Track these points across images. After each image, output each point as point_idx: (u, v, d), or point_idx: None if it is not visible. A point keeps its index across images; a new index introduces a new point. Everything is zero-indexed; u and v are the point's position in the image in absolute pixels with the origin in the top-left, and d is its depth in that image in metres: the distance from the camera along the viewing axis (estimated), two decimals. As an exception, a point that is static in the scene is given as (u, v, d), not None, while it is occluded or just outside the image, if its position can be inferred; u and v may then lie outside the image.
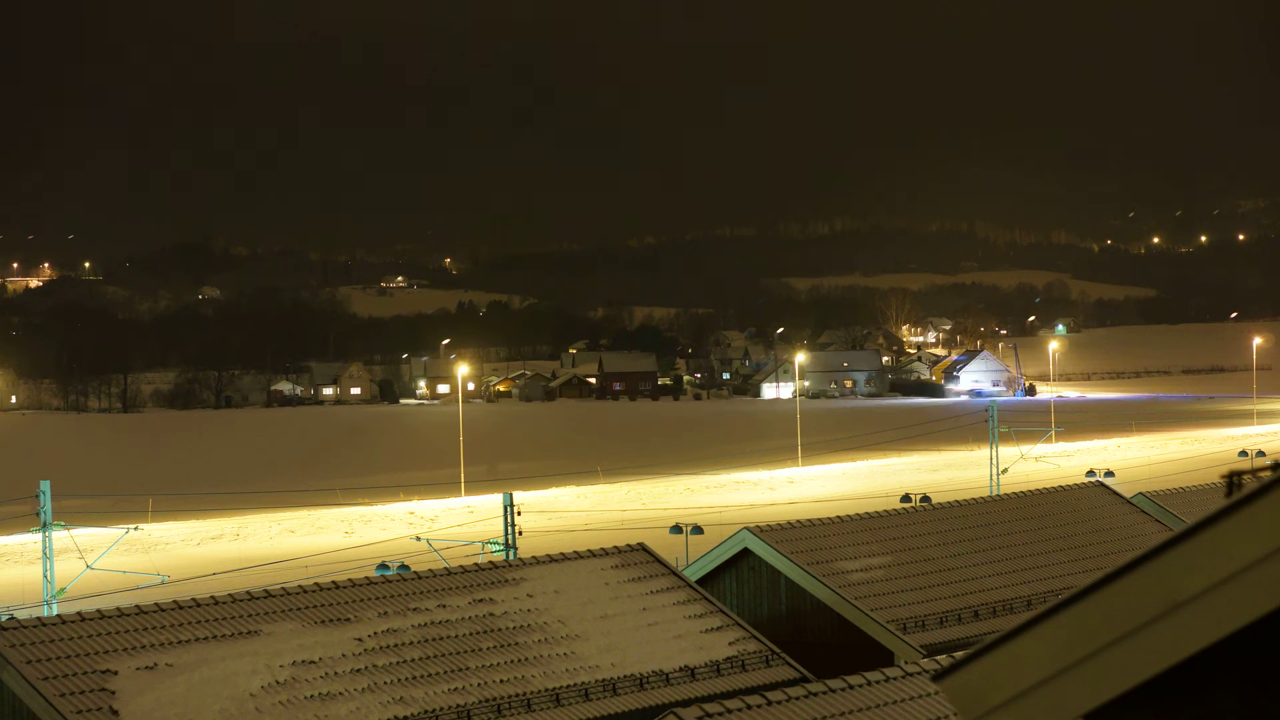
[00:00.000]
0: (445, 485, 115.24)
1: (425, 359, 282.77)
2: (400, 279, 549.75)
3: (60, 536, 56.91)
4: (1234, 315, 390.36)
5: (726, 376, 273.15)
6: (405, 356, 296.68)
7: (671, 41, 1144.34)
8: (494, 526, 59.83)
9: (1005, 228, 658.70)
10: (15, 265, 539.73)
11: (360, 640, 27.01)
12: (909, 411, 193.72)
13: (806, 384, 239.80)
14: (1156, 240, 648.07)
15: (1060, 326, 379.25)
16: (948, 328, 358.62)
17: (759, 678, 29.41)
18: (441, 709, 26.18)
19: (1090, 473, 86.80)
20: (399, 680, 26.45)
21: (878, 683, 21.73)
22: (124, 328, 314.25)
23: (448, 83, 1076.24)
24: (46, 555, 51.75)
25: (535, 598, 29.80)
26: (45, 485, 52.94)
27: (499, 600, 29.41)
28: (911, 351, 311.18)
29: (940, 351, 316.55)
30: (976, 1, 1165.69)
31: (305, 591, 28.17)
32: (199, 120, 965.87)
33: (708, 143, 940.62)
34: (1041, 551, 38.19)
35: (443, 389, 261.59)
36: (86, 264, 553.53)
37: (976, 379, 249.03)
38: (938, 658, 25.66)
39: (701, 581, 34.30)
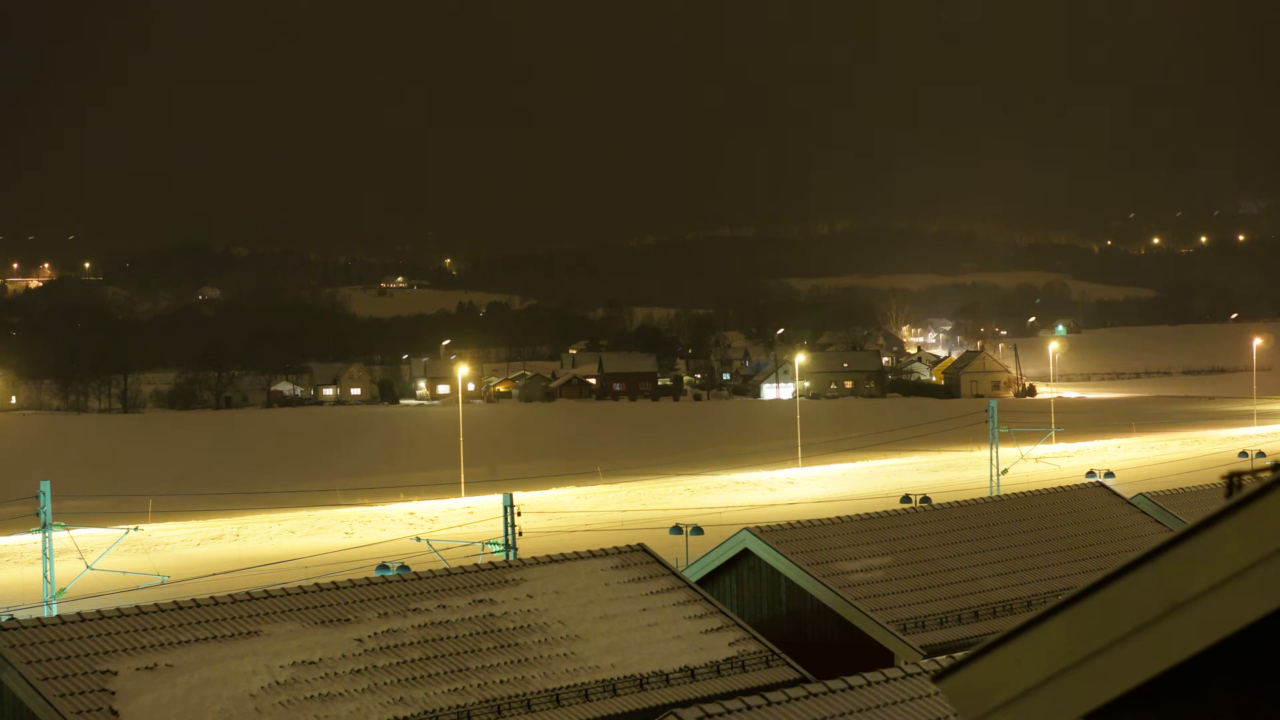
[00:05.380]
0: (445, 486, 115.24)
1: (425, 359, 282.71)
2: (400, 279, 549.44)
3: (60, 537, 56.91)
4: (1234, 316, 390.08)
5: (726, 377, 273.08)
6: (405, 357, 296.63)
7: (671, 42, 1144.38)
8: (494, 527, 59.85)
9: (1005, 228, 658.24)
10: (15, 265, 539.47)
11: (360, 641, 27.02)
12: (909, 411, 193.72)
13: (806, 384, 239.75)
14: (1156, 241, 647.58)
15: (1060, 327, 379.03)
16: (948, 328, 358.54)
17: (759, 678, 29.42)
18: (441, 709, 26.18)
19: (1090, 473, 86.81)
20: (399, 681, 26.45)
21: (878, 683, 21.73)
22: (124, 328, 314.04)
23: (448, 84, 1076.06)
24: (46, 556, 51.75)
25: (535, 598, 29.80)
26: (45, 486, 52.94)
27: (499, 601, 29.41)
28: (912, 352, 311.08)
29: (940, 352, 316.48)
30: (976, 2, 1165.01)
31: (305, 592, 28.18)
32: (199, 120, 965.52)
33: (708, 143, 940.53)
34: (1041, 552, 38.21)
35: (443, 389, 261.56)
36: (86, 264, 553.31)
37: None
38: (938, 658, 25.67)
39: (702, 582, 34.31)
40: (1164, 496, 45.63)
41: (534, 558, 31.82)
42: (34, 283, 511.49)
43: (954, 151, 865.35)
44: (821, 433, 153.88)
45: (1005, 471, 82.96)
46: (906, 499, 77.93)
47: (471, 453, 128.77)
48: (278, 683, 25.30)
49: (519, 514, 50.97)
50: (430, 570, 31.06)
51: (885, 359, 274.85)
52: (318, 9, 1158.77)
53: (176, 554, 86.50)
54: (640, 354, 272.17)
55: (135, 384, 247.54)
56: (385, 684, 26.23)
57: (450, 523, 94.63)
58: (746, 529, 35.31)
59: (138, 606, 26.55)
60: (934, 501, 57.10)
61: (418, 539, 61.67)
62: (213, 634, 25.93)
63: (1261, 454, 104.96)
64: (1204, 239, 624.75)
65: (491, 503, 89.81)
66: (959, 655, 5.74)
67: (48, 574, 51.52)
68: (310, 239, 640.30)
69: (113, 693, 24.02)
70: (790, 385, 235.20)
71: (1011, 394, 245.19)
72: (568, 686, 27.70)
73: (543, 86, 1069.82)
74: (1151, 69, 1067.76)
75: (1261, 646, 5.23)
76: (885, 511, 38.42)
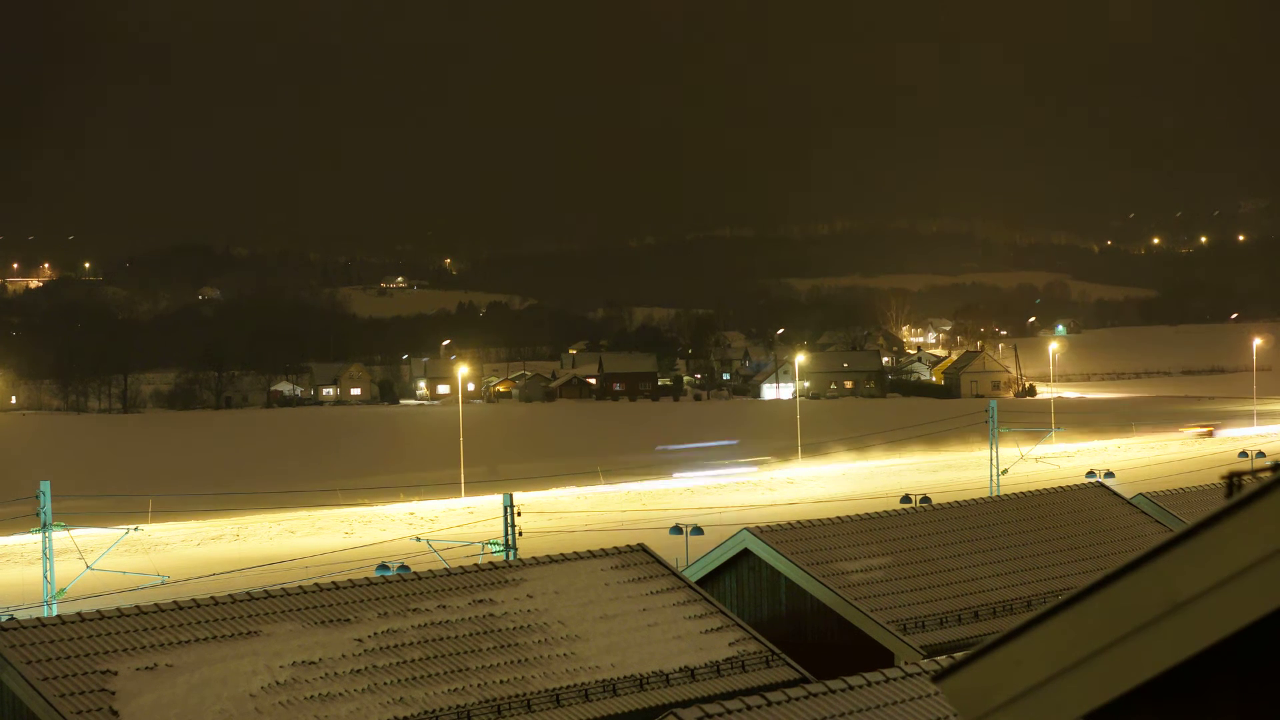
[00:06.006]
0: (445, 486, 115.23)
1: (425, 360, 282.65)
2: (400, 279, 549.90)
3: (60, 537, 56.91)
4: (1234, 316, 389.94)
5: (726, 377, 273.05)
6: (405, 357, 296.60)
7: (671, 42, 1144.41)
8: (494, 527, 59.83)
9: (1005, 228, 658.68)
10: (15, 265, 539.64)
11: (360, 641, 27.02)
12: (909, 411, 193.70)
13: (806, 384, 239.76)
14: (1156, 241, 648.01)
15: (1060, 327, 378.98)
16: (948, 328, 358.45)
17: (759, 678, 29.42)
18: (441, 709, 26.18)
19: (1090, 473, 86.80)
20: (399, 681, 26.45)
21: (878, 683, 21.73)
22: (124, 328, 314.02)
23: (447, 84, 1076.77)
24: (46, 556, 51.75)
25: (535, 598, 29.80)
26: (45, 486, 52.95)
27: (499, 601, 29.41)
28: (911, 352, 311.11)
29: (940, 352, 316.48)
30: (975, 3, 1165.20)
31: (305, 592, 28.17)
32: (199, 120, 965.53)
33: (708, 142, 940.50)
34: (1042, 552, 38.20)
35: (443, 390, 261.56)
36: (86, 264, 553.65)
37: None
38: (938, 658, 25.67)
39: (702, 582, 34.31)
40: (1164, 496, 45.62)
41: (534, 558, 31.82)
42: (34, 283, 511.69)
43: (954, 151, 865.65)
44: (821, 433, 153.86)
45: (1005, 471, 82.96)
46: (906, 499, 77.91)
47: (471, 453, 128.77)
48: (278, 683, 25.30)
49: (519, 514, 50.97)
50: (430, 570, 31.06)
51: (885, 359, 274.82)
52: (317, 8, 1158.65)
53: (176, 554, 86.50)
54: (640, 354, 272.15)
55: (135, 384, 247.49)
56: (385, 684, 26.23)
57: (450, 523, 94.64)
58: (746, 529, 35.31)
59: (138, 606, 26.55)
60: (934, 501, 57.11)
61: (418, 539, 61.65)
62: (213, 634, 25.93)
63: (1261, 454, 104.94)
64: (1204, 239, 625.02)
65: (491, 503, 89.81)
66: (959, 655, 5.75)
67: (48, 574, 51.53)
68: (310, 239, 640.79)
69: (113, 693, 24.02)
70: (790, 385, 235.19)
71: (1011, 394, 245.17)
72: (568, 686, 27.70)
73: (543, 86, 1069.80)
74: (1152, 69, 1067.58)
75: (1261, 646, 5.23)
76: (885, 511, 38.41)
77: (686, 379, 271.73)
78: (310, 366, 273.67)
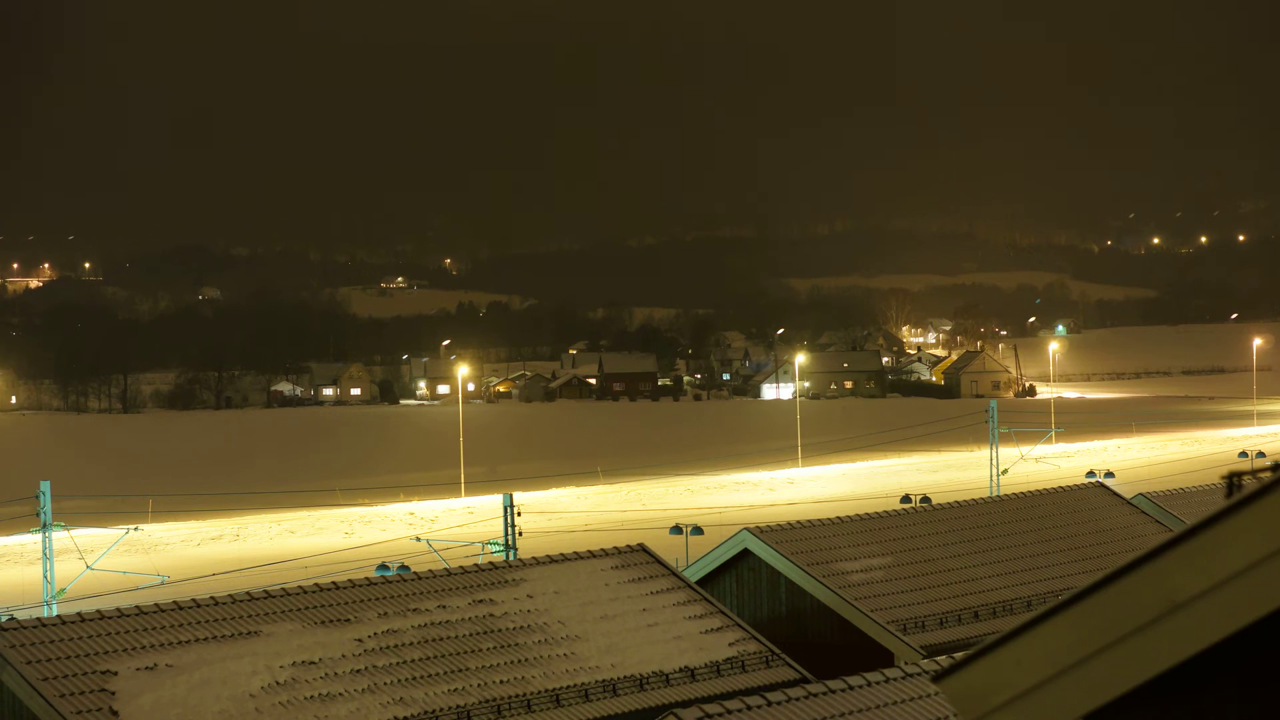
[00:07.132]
0: (445, 486, 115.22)
1: (425, 360, 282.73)
2: (400, 279, 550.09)
3: (60, 537, 56.91)
4: (1234, 316, 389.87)
5: (726, 377, 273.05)
6: (405, 357, 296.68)
7: (670, 42, 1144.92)
8: (494, 527, 59.81)
9: (1005, 228, 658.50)
10: (15, 265, 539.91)
11: (360, 641, 27.02)
12: (909, 411, 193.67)
13: (806, 384, 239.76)
14: (1156, 241, 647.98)
15: (1060, 327, 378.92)
16: (948, 328, 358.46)
17: (759, 678, 29.42)
18: (441, 709, 26.18)
19: (1090, 473, 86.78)
20: (399, 681, 26.46)
21: (878, 683, 21.73)
22: (124, 328, 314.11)
23: (447, 84, 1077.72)
24: (46, 556, 51.75)
25: (535, 598, 29.80)
26: (45, 486, 52.95)
27: (499, 601, 29.41)
28: (911, 352, 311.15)
29: (940, 352, 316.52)
30: (976, 5, 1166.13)
31: (305, 592, 28.18)
32: (199, 119, 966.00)
33: (708, 143, 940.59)
34: (1042, 552, 38.22)
35: (443, 390, 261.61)
36: (86, 264, 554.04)
37: None
38: (938, 658, 25.67)
39: (702, 582, 34.31)
40: (1164, 496, 45.63)
41: (534, 558, 31.82)
42: (34, 283, 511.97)
43: (954, 151, 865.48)
44: (821, 433, 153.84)
45: (1005, 471, 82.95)
46: (906, 499, 77.91)
47: (471, 453, 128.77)
48: (278, 683, 25.30)
49: (519, 514, 50.96)
50: (430, 570, 31.06)
51: (885, 359, 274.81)
52: (317, 8, 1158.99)
53: (176, 554, 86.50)
54: (640, 354, 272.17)
55: (135, 384, 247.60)
56: (385, 684, 26.24)
57: (450, 523, 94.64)
58: (746, 529, 35.31)
59: (138, 606, 26.55)
60: (934, 501, 57.10)
61: (418, 539, 61.66)
62: (213, 634, 25.92)
63: (1261, 454, 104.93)
64: (1204, 239, 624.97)
65: (491, 503, 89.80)
66: (959, 655, 5.75)
67: (48, 574, 51.53)
68: (310, 239, 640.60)
69: (113, 693, 24.02)
70: (790, 385, 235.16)
71: (1011, 394, 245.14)
72: (568, 686, 27.71)
73: (542, 87, 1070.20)
74: (1152, 69, 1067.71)
75: (1261, 646, 5.23)
76: (885, 511, 38.41)
77: (686, 379, 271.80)
78: (310, 366, 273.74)
